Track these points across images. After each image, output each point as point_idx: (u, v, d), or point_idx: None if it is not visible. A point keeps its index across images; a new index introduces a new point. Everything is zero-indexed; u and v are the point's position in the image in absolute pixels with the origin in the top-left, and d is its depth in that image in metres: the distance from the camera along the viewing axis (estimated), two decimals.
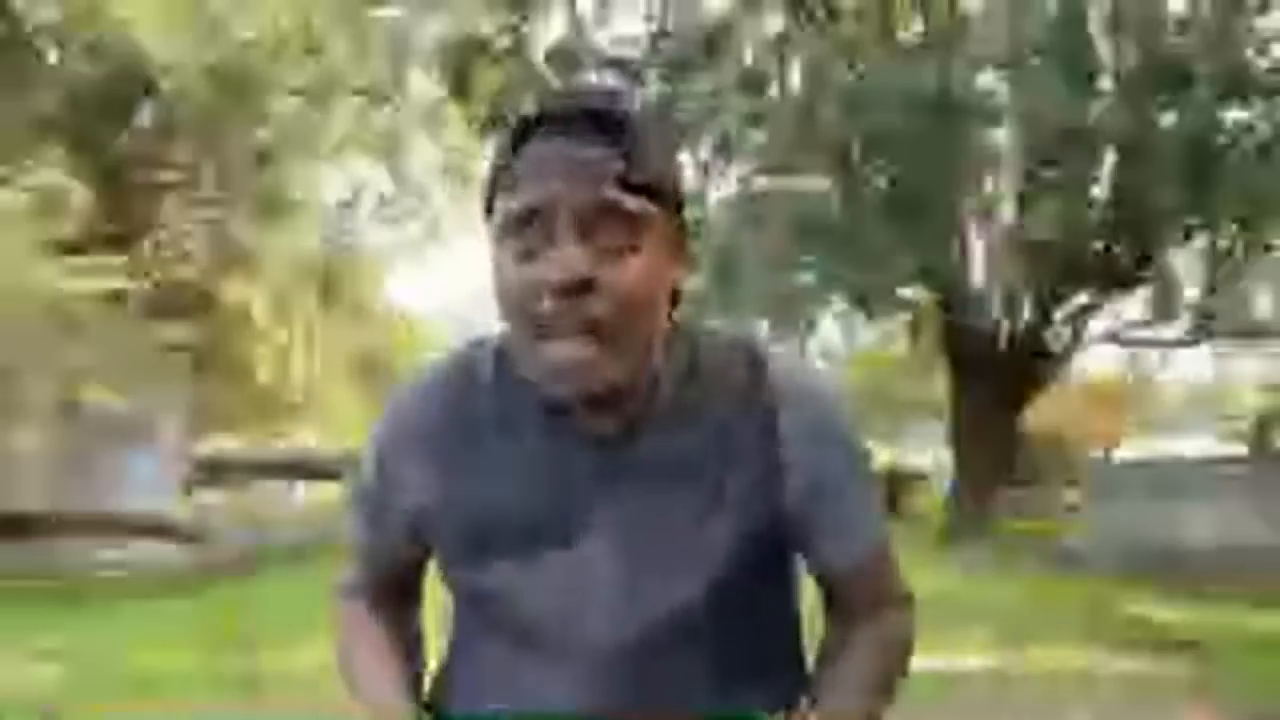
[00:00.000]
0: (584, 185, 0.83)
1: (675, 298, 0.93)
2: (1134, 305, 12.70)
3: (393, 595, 1.09)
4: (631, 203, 0.83)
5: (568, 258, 0.82)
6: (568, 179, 0.83)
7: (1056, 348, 12.97)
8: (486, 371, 0.97)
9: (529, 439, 0.93)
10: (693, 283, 11.13)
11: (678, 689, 0.93)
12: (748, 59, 11.75)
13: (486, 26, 13.04)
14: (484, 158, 15.78)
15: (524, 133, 0.87)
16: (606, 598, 0.91)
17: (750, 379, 0.95)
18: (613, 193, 0.83)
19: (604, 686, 0.92)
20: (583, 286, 0.82)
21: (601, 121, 0.85)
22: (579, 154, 0.83)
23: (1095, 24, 10.43)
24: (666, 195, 0.87)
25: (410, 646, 1.10)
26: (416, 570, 1.08)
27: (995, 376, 12.46)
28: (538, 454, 0.93)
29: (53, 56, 12.22)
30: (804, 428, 0.94)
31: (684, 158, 12.17)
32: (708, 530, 0.91)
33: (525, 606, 0.93)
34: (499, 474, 0.93)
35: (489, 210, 0.90)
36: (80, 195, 9.76)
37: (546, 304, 0.83)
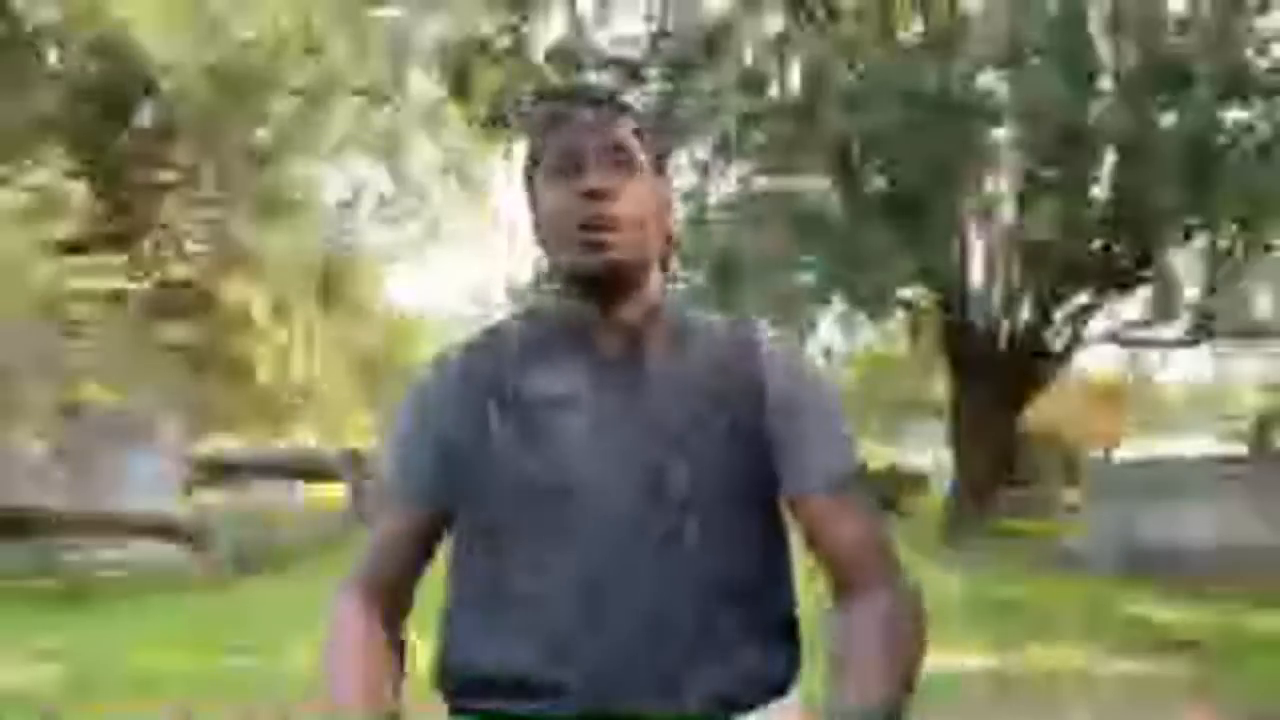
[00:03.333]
0: (600, 132, 1.15)
1: (666, 251, 1.21)
2: (1134, 305, 12.72)
3: (388, 592, 1.16)
4: (633, 144, 1.15)
5: (595, 176, 1.13)
6: (589, 130, 1.15)
7: (1056, 348, 12.98)
8: (515, 324, 1.22)
9: (551, 357, 1.15)
10: (693, 283, 11.14)
11: (672, 582, 1.06)
12: (748, 59, 11.75)
13: (486, 26, 13.04)
14: (485, 157, 15.79)
15: (551, 117, 1.18)
16: (610, 495, 1.07)
17: (739, 334, 1.18)
18: (620, 135, 1.15)
19: (604, 589, 1.04)
20: (606, 192, 1.11)
21: (605, 101, 1.19)
22: (594, 115, 1.16)
23: (1095, 24, 10.43)
24: (654, 151, 1.18)
25: (394, 649, 1.16)
26: (427, 544, 1.17)
27: (995, 376, 12.46)
28: (557, 367, 1.14)
29: (53, 56, 12.22)
30: (783, 371, 1.15)
31: (684, 157, 12.18)
32: (702, 434, 1.10)
33: (537, 498, 1.08)
34: (523, 387, 1.14)
35: (529, 176, 1.20)
36: (80, 195, 9.74)
37: (581, 208, 1.12)
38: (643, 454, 1.09)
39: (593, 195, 1.11)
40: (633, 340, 1.14)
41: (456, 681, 1.11)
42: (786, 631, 1.13)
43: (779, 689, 1.10)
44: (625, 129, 1.16)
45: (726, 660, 1.05)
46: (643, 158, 1.16)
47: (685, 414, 1.11)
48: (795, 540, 1.16)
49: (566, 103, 1.19)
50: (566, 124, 1.16)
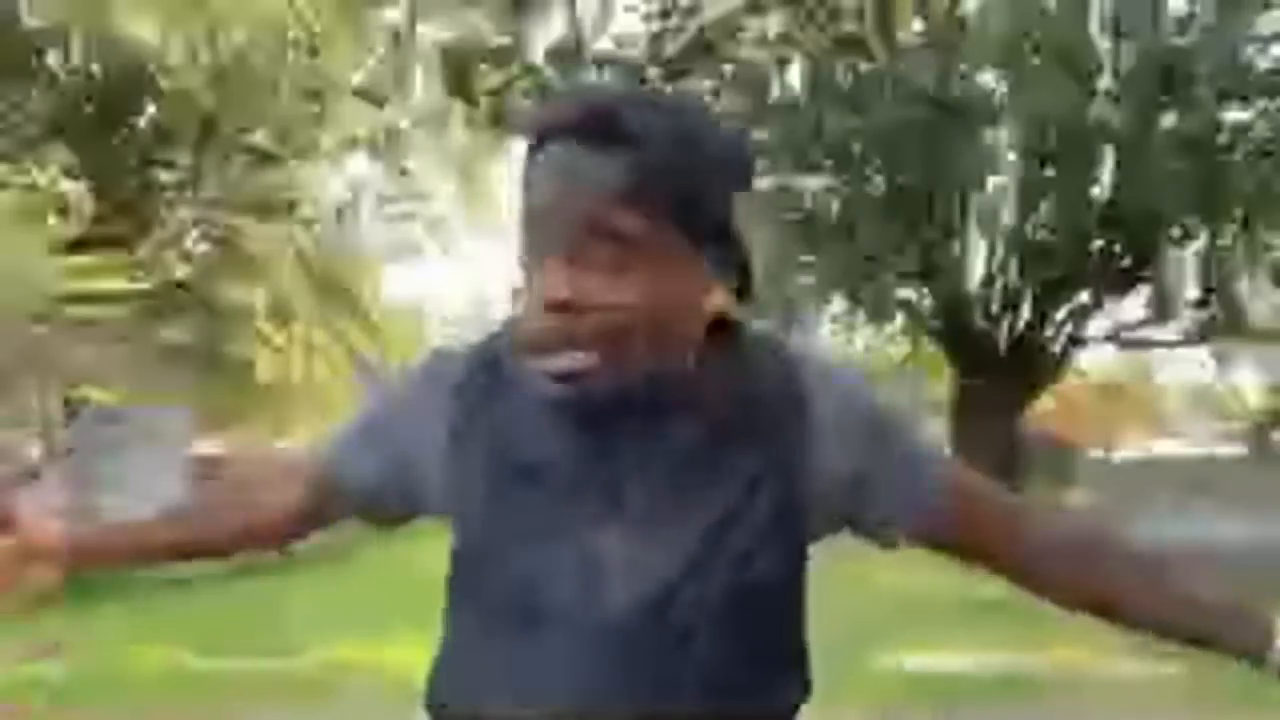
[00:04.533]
0: (573, 201, 0.81)
1: (721, 323, 0.92)
2: (1134, 305, 12.72)
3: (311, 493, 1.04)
4: (626, 222, 0.81)
5: (553, 276, 0.82)
6: (560, 192, 0.81)
7: (1056, 348, 12.97)
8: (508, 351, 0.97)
9: (549, 408, 0.90)
10: None
11: (681, 674, 0.90)
12: (747, 59, 11.75)
13: (486, 26, 13.04)
14: (485, 157, 15.79)
15: (541, 136, 0.85)
16: (616, 578, 0.89)
17: (779, 373, 0.94)
18: (602, 212, 0.81)
19: (605, 665, 0.89)
20: (563, 306, 0.81)
21: (610, 129, 0.82)
22: (577, 165, 0.81)
23: (1095, 23, 10.43)
24: (685, 214, 0.84)
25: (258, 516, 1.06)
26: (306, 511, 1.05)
27: (995, 376, 12.45)
28: (556, 423, 0.90)
29: (53, 56, 12.21)
30: (836, 417, 0.94)
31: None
32: (727, 515, 0.90)
33: (533, 582, 0.91)
34: (518, 437, 0.92)
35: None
36: (80, 195, 9.75)
37: (537, 320, 0.83)
38: (655, 544, 0.89)
39: (549, 308, 0.82)
40: (646, 410, 0.89)
41: None
42: (798, 668, 1.01)
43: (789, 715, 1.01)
44: (611, 194, 0.81)
45: (731, 706, 0.93)
46: (649, 237, 0.82)
47: (705, 495, 0.90)
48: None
49: (558, 126, 0.84)
50: (540, 166, 0.84)
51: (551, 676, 0.90)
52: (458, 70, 13.06)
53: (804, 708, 1.11)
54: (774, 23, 12.14)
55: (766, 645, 0.95)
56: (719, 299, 0.89)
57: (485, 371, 0.96)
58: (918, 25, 12.15)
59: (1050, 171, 10.95)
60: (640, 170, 0.81)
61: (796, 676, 1.00)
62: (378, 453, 1.00)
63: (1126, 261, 11.61)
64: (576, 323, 0.82)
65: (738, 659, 0.92)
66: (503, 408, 0.94)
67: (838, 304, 12.45)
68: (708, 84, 11.15)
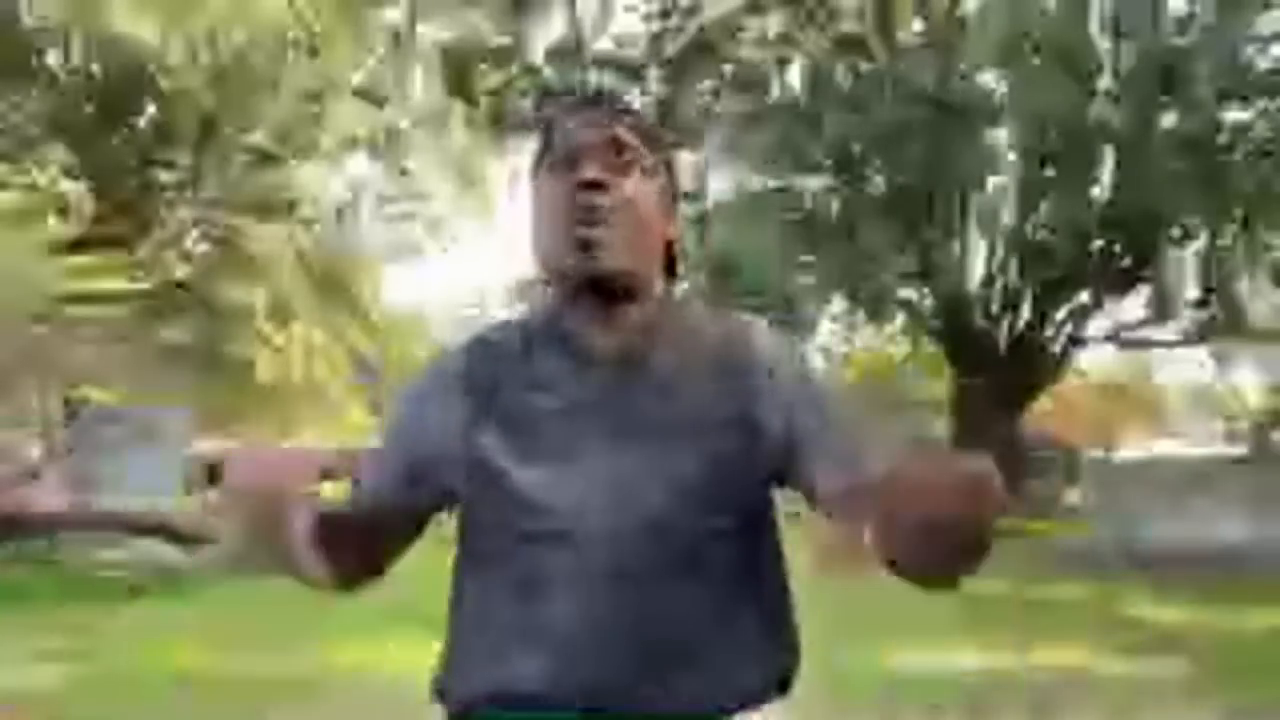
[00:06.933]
0: (598, 128, 1.16)
1: (670, 254, 1.20)
2: (1134, 305, 12.72)
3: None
4: (630, 141, 1.16)
5: (590, 168, 1.13)
6: (588, 128, 1.16)
7: (1056, 348, 12.98)
8: (513, 325, 1.22)
9: (548, 363, 1.15)
10: (693, 282, 11.14)
11: (669, 591, 1.05)
12: (747, 59, 11.75)
13: (486, 26, 13.03)
14: (485, 156, 15.79)
15: (554, 116, 1.21)
16: (607, 500, 1.06)
17: (737, 335, 1.18)
18: (617, 132, 1.16)
19: (606, 593, 1.04)
20: (600, 184, 1.12)
21: (607, 101, 1.22)
22: (595, 115, 1.18)
23: (1095, 23, 10.43)
24: (656, 153, 1.19)
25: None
26: (399, 529, 1.17)
27: (995, 376, 12.46)
28: (554, 373, 1.14)
29: (52, 56, 12.21)
30: (785, 378, 1.14)
31: (685, 157, 12.16)
32: (698, 445, 1.09)
33: (536, 506, 1.07)
34: (521, 394, 1.14)
35: (535, 179, 1.20)
36: (80, 195, 9.74)
37: (575, 199, 1.12)
38: (639, 468, 1.07)
39: (587, 186, 1.11)
40: (630, 349, 1.13)
41: (458, 699, 1.10)
42: (784, 631, 1.13)
43: (779, 687, 1.10)
44: (625, 127, 1.17)
45: (723, 664, 1.06)
46: (642, 157, 1.16)
47: (681, 426, 1.09)
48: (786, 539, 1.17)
49: (569, 103, 1.24)
50: (568, 122, 1.18)
51: (559, 621, 1.04)
52: (458, 70, 13.07)
53: (792, 706, 1.11)
54: (774, 23, 12.15)
55: (754, 609, 1.09)
56: (673, 231, 1.21)
57: (487, 355, 1.18)
58: (918, 25, 12.15)
59: (1050, 171, 10.95)
60: (634, 119, 1.19)
61: (784, 646, 1.13)
62: (386, 472, 1.17)
63: (1126, 261, 11.61)
64: (599, 199, 1.11)
65: (727, 617, 1.07)
66: (507, 378, 1.15)
67: (838, 304, 12.46)
68: (708, 84, 11.15)
